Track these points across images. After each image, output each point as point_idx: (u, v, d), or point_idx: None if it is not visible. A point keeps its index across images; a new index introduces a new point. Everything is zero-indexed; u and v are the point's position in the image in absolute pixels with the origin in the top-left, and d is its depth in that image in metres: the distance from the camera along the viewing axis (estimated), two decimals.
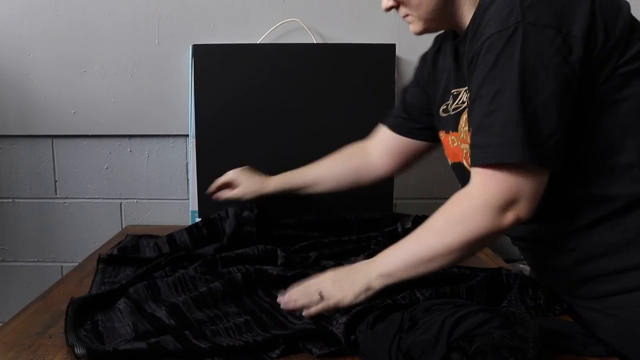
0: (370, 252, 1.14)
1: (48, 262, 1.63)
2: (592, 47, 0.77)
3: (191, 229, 1.24)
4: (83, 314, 0.89)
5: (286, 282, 0.97)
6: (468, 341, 0.69)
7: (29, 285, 1.64)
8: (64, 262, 1.63)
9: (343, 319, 0.82)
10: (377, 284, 0.86)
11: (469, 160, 0.83)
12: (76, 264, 1.24)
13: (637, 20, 0.83)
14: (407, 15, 0.93)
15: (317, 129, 1.44)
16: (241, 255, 1.11)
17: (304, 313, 0.86)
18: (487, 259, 1.20)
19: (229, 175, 1.27)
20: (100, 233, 1.58)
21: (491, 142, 0.77)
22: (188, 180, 1.58)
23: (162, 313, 0.86)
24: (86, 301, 0.92)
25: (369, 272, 0.88)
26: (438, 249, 0.82)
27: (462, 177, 1.00)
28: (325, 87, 1.43)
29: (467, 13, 0.90)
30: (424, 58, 1.12)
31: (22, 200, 1.60)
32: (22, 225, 1.62)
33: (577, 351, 0.79)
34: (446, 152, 1.05)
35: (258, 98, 1.43)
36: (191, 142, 1.48)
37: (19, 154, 1.58)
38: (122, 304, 0.91)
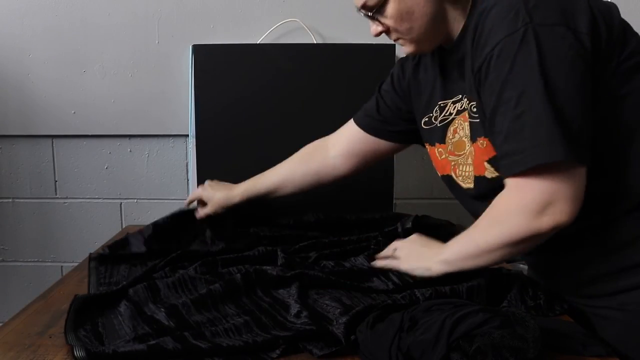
0: (370, 252, 1.14)
1: (48, 262, 1.64)
2: (598, 42, 0.78)
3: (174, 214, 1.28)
4: (84, 314, 0.89)
5: (286, 283, 0.97)
6: (468, 341, 0.69)
7: (29, 285, 1.64)
8: (64, 262, 1.63)
9: (343, 319, 0.82)
10: (438, 268, 0.91)
11: (500, 170, 0.82)
12: (76, 264, 1.24)
13: (625, 20, 0.84)
14: (398, 39, 0.93)
15: (317, 129, 1.43)
16: (241, 256, 1.11)
17: (373, 263, 1.01)
18: None
19: (197, 193, 1.26)
20: (100, 233, 1.58)
21: (525, 146, 0.75)
22: (188, 180, 1.58)
23: (161, 315, 0.86)
24: (88, 300, 0.92)
25: (435, 256, 0.92)
26: (482, 247, 0.85)
27: (453, 189, 1.00)
28: (325, 87, 1.43)
29: (456, 28, 0.90)
30: (402, 67, 1.11)
31: (22, 200, 1.60)
32: (22, 225, 1.62)
33: (577, 351, 0.79)
34: (434, 164, 1.04)
35: (258, 98, 1.43)
36: (191, 142, 1.48)
37: (19, 154, 1.58)
38: (122, 306, 0.91)
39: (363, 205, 1.41)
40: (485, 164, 0.88)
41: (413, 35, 0.91)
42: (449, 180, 1.00)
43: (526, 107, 0.75)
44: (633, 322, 0.84)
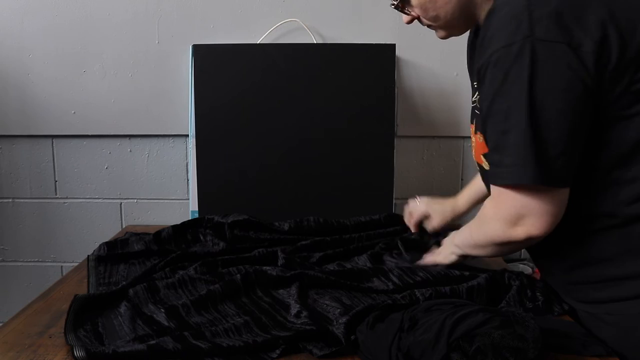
0: (373, 251, 1.14)
1: (48, 262, 1.63)
2: (605, 62, 0.75)
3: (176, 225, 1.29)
4: (83, 315, 0.89)
5: (285, 283, 0.97)
6: (468, 341, 0.69)
7: (29, 285, 1.64)
8: (64, 262, 1.63)
9: (343, 319, 0.82)
10: (456, 251, 1.01)
11: (485, 176, 0.85)
12: (76, 264, 1.24)
13: None
14: (429, 26, 0.95)
15: (317, 129, 1.43)
16: (242, 257, 1.11)
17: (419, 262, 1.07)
18: (487, 259, 1.19)
19: (421, 209, 1.23)
20: (100, 233, 1.58)
21: (505, 162, 0.79)
22: (188, 180, 1.58)
23: (161, 316, 0.86)
24: (88, 300, 0.92)
25: (453, 240, 1.02)
26: (475, 241, 0.94)
27: (480, 169, 0.99)
28: (325, 87, 1.43)
29: (481, 13, 0.89)
30: (468, 52, 1.09)
31: (22, 200, 1.60)
32: (22, 225, 1.62)
33: (577, 351, 0.79)
34: None
35: (258, 98, 1.43)
36: (191, 142, 1.48)
37: (19, 154, 1.58)
38: (122, 307, 0.91)
39: (363, 206, 1.41)
40: (482, 156, 0.89)
41: (440, 22, 0.92)
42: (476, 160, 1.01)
43: (510, 126, 0.77)
44: (619, 330, 0.84)
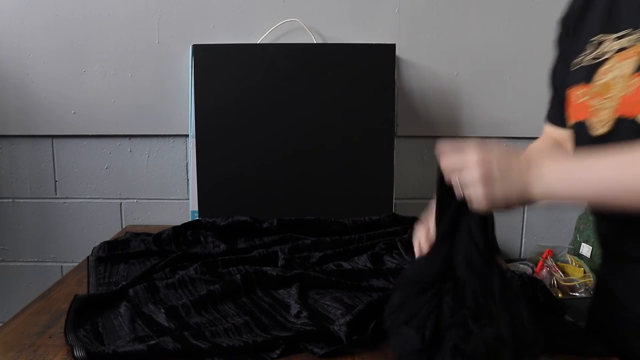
0: (374, 252, 1.15)
1: (48, 262, 1.63)
2: None
3: (176, 227, 1.29)
4: (83, 314, 0.89)
5: (286, 283, 0.97)
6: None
7: (29, 285, 1.64)
8: (64, 262, 1.63)
9: (345, 319, 0.82)
10: (535, 198, 0.69)
11: None
12: (76, 264, 1.24)
13: None
14: None
15: (317, 129, 1.44)
16: (242, 257, 1.11)
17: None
18: None
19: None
20: (100, 233, 1.58)
21: None
22: (188, 180, 1.58)
23: (161, 316, 0.86)
24: (88, 300, 0.92)
25: (531, 181, 0.68)
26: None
27: (580, 139, 0.85)
28: (325, 87, 1.43)
29: None
30: (563, 22, 0.93)
31: (22, 200, 1.60)
32: (22, 225, 1.62)
33: (577, 351, 0.79)
34: (567, 110, 0.89)
35: (258, 98, 1.43)
36: (191, 142, 1.48)
37: (19, 154, 1.58)
38: (122, 307, 0.91)
39: (363, 206, 1.41)
40: None
41: None
42: (579, 127, 0.85)
43: None
44: None
